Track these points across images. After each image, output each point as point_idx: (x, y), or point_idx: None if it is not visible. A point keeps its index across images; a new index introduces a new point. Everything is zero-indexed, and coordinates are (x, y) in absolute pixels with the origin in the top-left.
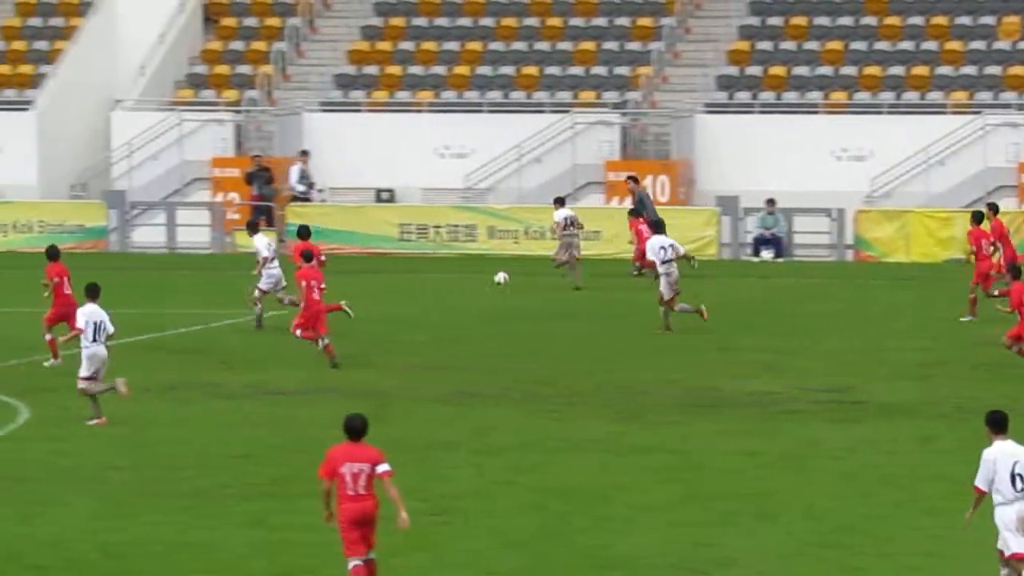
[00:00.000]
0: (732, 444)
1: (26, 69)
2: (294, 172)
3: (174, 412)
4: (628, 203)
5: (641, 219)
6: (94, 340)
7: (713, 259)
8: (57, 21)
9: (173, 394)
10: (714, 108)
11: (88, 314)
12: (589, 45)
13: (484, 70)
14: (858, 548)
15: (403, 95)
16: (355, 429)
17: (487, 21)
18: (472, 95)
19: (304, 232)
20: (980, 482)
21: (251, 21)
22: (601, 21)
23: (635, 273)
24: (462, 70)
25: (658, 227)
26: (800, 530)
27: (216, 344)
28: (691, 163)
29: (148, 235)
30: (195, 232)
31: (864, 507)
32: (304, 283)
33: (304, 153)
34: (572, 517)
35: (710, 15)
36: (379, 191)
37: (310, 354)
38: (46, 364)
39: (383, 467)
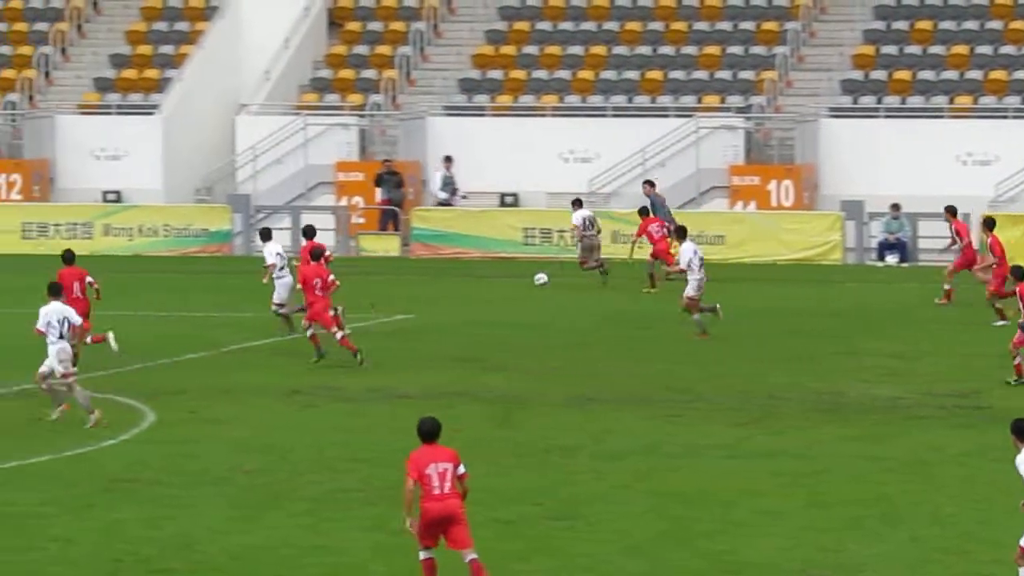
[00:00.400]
0: (856, 449)
1: (152, 74)
2: (437, 178)
3: (298, 416)
4: (752, 207)
5: (651, 219)
6: (60, 336)
7: (838, 264)
8: (182, 26)
9: (296, 398)
10: (838, 112)
11: (49, 313)
12: (714, 49)
13: (608, 74)
14: (984, 555)
15: (527, 99)
16: (430, 432)
17: (611, 25)
18: (596, 99)
19: (309, 232)
20: None
21: (376, 25)
22: (726, 25)
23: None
24: (586, 74)
25: (682, 233)
26: (926, 536)
27: (339, 348)
28: (815, 167)
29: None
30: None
31: (990, 513)
32: (306, 281)
33: (448, 159)
34: (694, 522)
35: (835, 19)
36: (503, 195)
37: (435, 357)
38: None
39: (462, 468)
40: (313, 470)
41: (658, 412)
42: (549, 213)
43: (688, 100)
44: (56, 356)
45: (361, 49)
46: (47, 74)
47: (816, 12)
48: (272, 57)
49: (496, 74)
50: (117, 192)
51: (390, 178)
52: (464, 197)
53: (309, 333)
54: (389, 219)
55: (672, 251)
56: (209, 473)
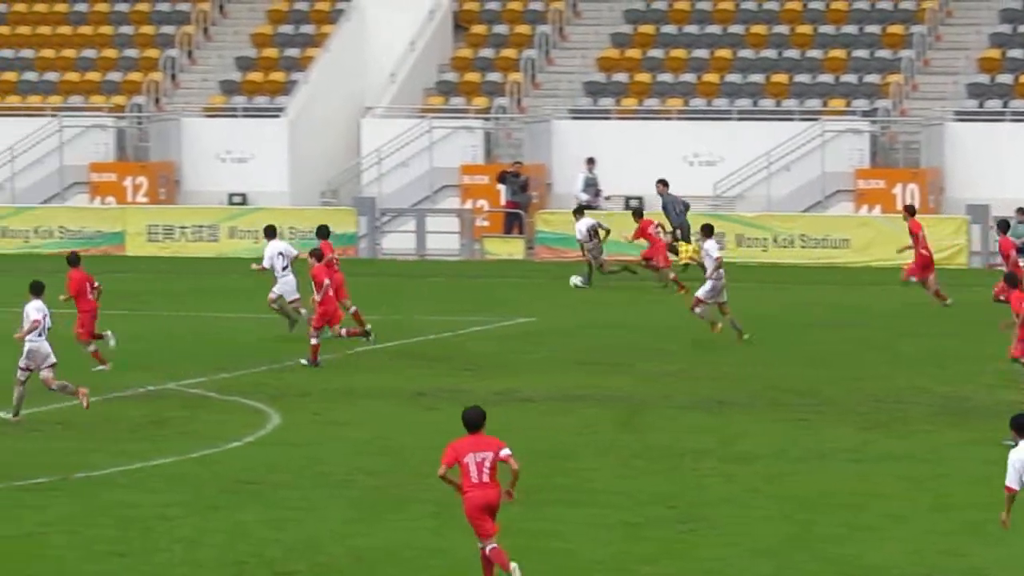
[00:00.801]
0: (981, 453)
1: (277, 76)
2: (579, 179)
3: (421, 418)
4: (877, 211)
5: (649, 220)
6: (39, 335)
7: (963, 268)
8: (308, 29)
9: (421, 400)
10: (964, 116)
11: (39, 309)
12: (839, 53)
13: (733, 77)
14: None
15: (652, 102)
16: (474, 421)
17: (736, 28)
18: (721, 102)
19: (324, 232)
20: (1012, 482)
21: (501, 28)
22: (851, 29)
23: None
24: (711, 77)
25: (708, 231)
26: None
27: (463, 351)
28: (941, 171)
29: (397, 242)
30: (444, 239)
31: None
32: (318, 282)
33: (590, 161)
34: (820, 526)
35: (960, 23)
36: (628, 199)
37: (558, 360)
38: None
39: (505, 451)
40: (436, 473)
41: (785, 415)
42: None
43: (813, 103)
44: (27, 353)
45: (487, 52)
46: (173, 77)
47: (942, 16)
48: (398, 60)
49: (621, 77)
50: (243, 195)
51: (514, 180)
52: (607, 199)
53: (313, 342)
54: (514, 222)
55: (687, 253)
56: (332, 475)
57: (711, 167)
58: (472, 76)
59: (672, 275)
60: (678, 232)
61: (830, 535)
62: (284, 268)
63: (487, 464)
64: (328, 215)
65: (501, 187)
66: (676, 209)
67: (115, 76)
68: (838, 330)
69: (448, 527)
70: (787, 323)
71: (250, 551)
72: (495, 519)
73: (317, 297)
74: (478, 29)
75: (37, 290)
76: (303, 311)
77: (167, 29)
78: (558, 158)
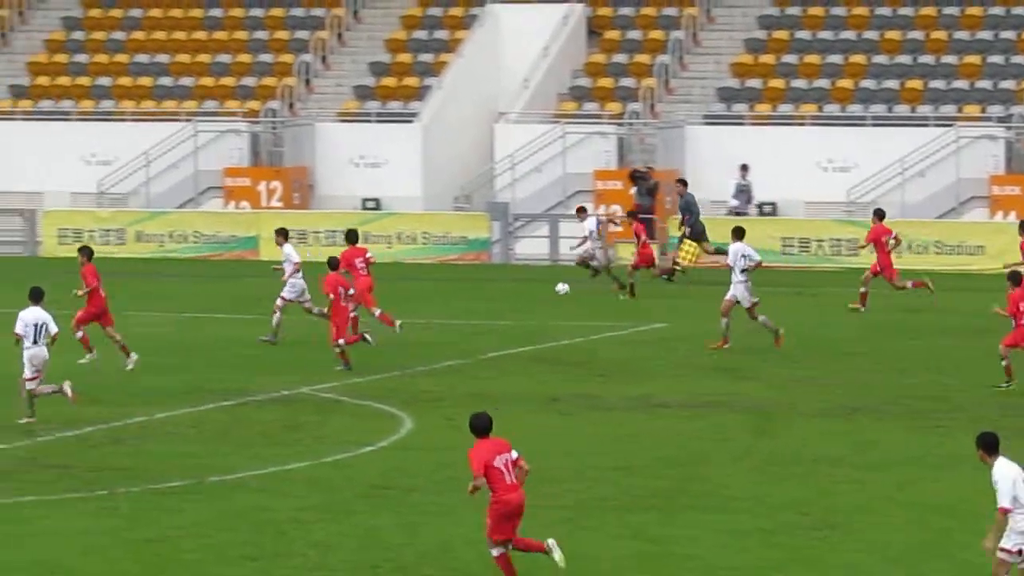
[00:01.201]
0: None
1: (411, 82)
2: (731, 185)
3: (555, 424)
4: (1012, 217)
5: (642, 224)
6: (35, 342)
7: None
8: (442, 34)
9: (554, 406)
10: None
11: (28, 318)
12: (974, 59)
13: (868, 83)
14: None
15: (786, 108)
16: (484, 426)
17: (871, 35)
18: (855, 108)
19: (352, 236)
20: (1006, 502)
21: (635, 34)
22: (986, 35)
23: (666, 277)
24: (845, 83)
25: (739, 234)
26: None
27: (596, 356)
28: None
29: (531, 247)
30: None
31: None
32: (331, 291)
33: (744, 167)
34: (954, 533)
35: None
36: (761, 204)
37: (691, 366)
38: (81, 361)
39: (515, 453)
40: (570, 478)
41: (918, 422)
42: (807, 223)
43: (948, 109)
44: (29, 360)
45: (620, 57)
46: (308, 82)
47: None
48: (531, 65)
49: (755, 83)
50: (376, 199)
51: (644, 181)
52: (759, 206)
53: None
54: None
55: (690, 255)
56: (465, 480)
57: (845, 173)
58: (605, 81)
59: (632, 281)
60: (686, 231)
61: (964, 542)
62: (297, 271)
63: (510, 463)
64: (461, 220)
65: (633, 191)
66: (695, 210)
67: (249, 81)
68: (971, 337)
69: (583, 532)
70: (919, 329)
71: (383, 556)
72: (520, 520)
73: (325, 310)
74: (611, 34)
75: (36, 297)
76: (316, 310)
77: (301, 34)
78: (691, 164)
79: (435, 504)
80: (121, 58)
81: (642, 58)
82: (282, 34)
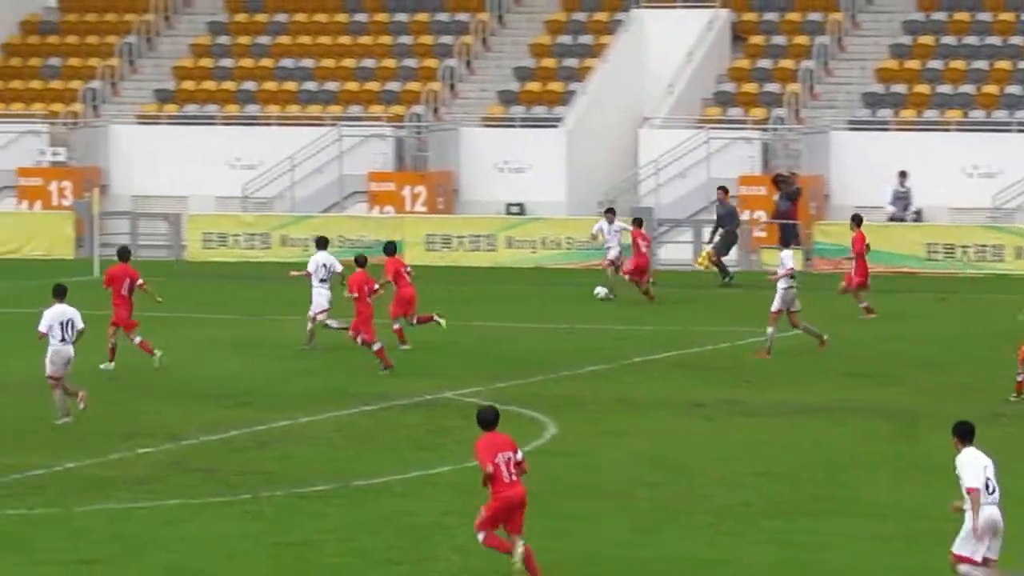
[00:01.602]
0: None
1: (555, 87)
2: (888, 192)
3: (699, 429)
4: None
5: (641, 231)
6: (62, 340)
7: None
8: (586, 39)
9: (698, 411)
10: None
11: (53, 316)
12: None
13: (1014, 89)
14: None
15: (931, 114)
16: (491, 420)
17: (1017, 40)
18: (1001, 114)
19: (391, 249)
20: (974, 482)
21: (779, 39)
22: None
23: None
24: (991, 89)
25: (785, 241)
26: None
27: (740, 362)
28: None
29: (675, 252)
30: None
31: None
32: (357, 289)
33: (902, 174)
34: None
35: None
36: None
37: (834, 372)
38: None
39: (520, 454)
40: (713, 483)
41: None
42: (952, 228)
43: None
44: (50, 358)
45: (764, 63)
46: (452, 87)
47: None
48: (676, 70)
49: (900, 88)
50: (520, 205)
51: (787, 185)
52: (916, 212)
53: (359, 340)
54: (791, 233)
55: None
56: (610, 486)
57: (990, 179)
58: (750, 87)
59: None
60: (716, 237)
61: None
62: (323, 280)
63: (512, 463)
64: None
65: (776, 196)
66: (736, 219)
67: (394, 86)
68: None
69: (726, 538)
70: None
71: None
72: (523, 515)
73: (347, 294)
74: (756, 40)
75: (60, 293)
76: (330, 323)
77: (446, 39)
78: (836, 169)
79: (579, 509)
80: (266, 63)
81: (787, 63)
82: (427, 39)
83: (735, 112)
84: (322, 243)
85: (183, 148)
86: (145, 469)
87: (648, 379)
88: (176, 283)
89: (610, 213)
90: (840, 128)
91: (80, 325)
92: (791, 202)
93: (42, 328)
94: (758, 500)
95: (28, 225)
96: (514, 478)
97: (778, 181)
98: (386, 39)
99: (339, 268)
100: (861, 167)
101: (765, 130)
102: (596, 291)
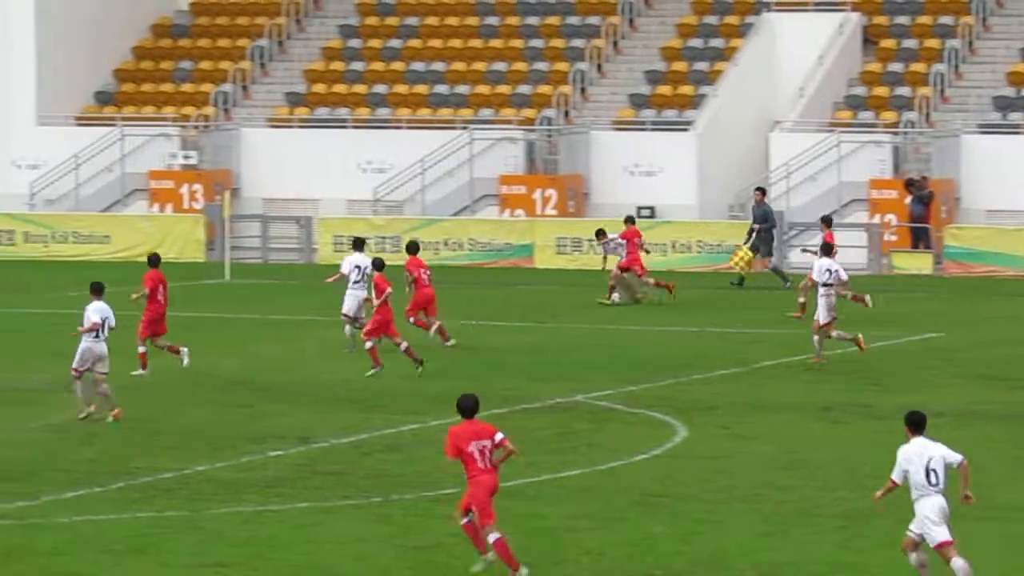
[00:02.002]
0: None
1: (686, 90)
2: None
3: (828, 432)
4: None
5: (635, 230)
6: (96, 337)
7: None
8: (717, 42)
9: (827, 415)
10: None
11: (91, 312)
12: None
13: None
14: None
15: None
16: (468, 408)
17: None
18: None
19: (413, 248)
20: (896, 475)
21: (910, 43)
22: None
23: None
24: None
25: (827, 250)
26: None
27: (869, 365)
28: None
29: (805, 255)
30: (851, 253)
31: None
32: (378, 289)
33: None
34: None
35: None
36: None
37: (965, 376)
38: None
39: (500, 435)
40: (843, 487)
41: None
42: None
43: None
44: (80, 353)
45: (896, 66)
46: (583, 90)
47: None
48: (806, 74)
49: None
50: (651, 208)
51: (918, 189)
52: None
53: (368, 346)
54: (920, 237)
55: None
56: (740, 489)
57: None
58: (881, 90)
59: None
60: (753, 234)
61: None
62: (356, 282)
63: (487, 451)
64: (736, 229)
65: (908, 200)
66: (771, 220)
67: (525, 89)
68: None
69: (856, 541)
70: None
71: (656, 563)
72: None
73: (376, 302)
74: (887, 43)
75: (98, 290)
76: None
77: (577, 42)
78: (967, 173)
79: (709, 512)
80: (397, 66)
81: (917, 67)
82: (558, 42)
83: (866, 116)
84: (359, 244)
85: (314, 151)
86: (275, 472)
87: (777, 382)
88: (307, 286)
89: (601, 234)
90: (971, 131)
91: (113, 323)
92: (923, 206)
93: (96, 319)
94: (888, 503)
95: (159, 228)
96: (489, 465)
97: (910, 185)
98: (517, 42)
99: (372, 271)
100: (992, 170)
101: (896, 134)
102: (612, 298)
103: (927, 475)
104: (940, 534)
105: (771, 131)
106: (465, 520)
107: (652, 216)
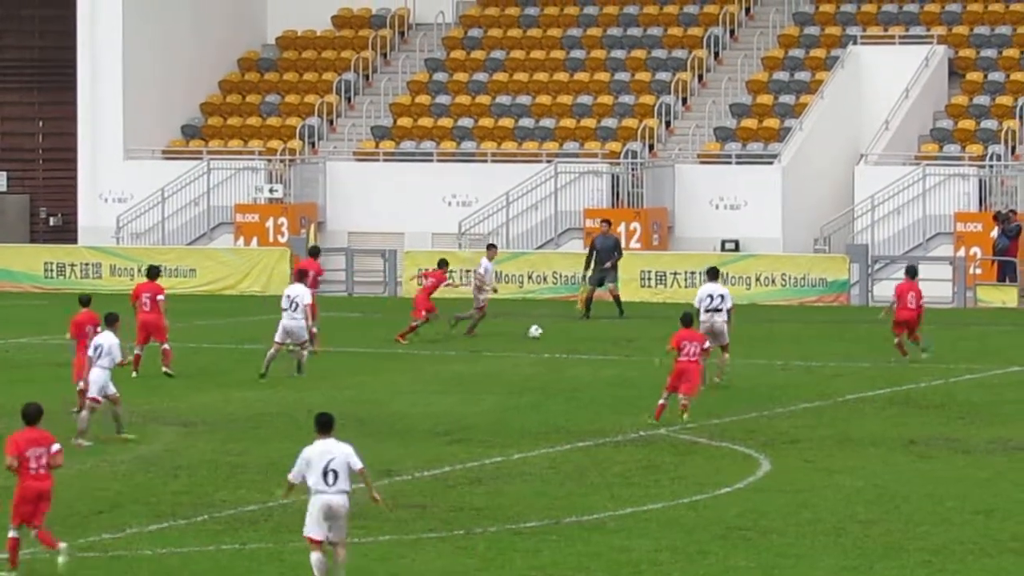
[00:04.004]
0: None
1: (771, 123)
2: None
3: (914, 466)
4: None
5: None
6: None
7: None
8: (803, 75)
9: (913, 448)
10: None
11: (107, 340)
12: None
13: None
14: None
15: None
16: (31, 415)
17: None
18: None
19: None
20: (292, 475)
21: (997, 75)
22: None
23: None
24: None
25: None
26: None
27: (955, 398)
28: None
29: (890, 289)
30: (936, 287)
31: None
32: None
33: None
34: None
35: None
36: None
37: None
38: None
39: (56, 447)
40: (929, 521)
41: None
42: None
43: None
44: (93, 380)
45: (982, 99)
46: (668, 123)
47: None
48: (892, 107)
49: None
50: (735, 241)
51: (1006, 223)
52: None
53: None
54: (1007, 270)
55: None
56: (824, 522)
57: None
58: (967, 123)
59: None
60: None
61: None
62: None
63: (43, 459)
64: (820, 262)
65: (994, 233)
66: (617, 253)
67: (610, 122)
68: None
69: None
70: None
71: None
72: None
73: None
74: (973, 76)
75: (110, 321)
76: (307, 350)
77: (663, 76)
78: None
79: (793, 546)
80: (483, 99)
81: (1004, 100)
82: (643, 75)
83: (951, 148)
84: (300, 276)
85: (399, 185)
86: (359, 505)
87: (862, 416)
88: (392, 319)
89: (492, 249)
90: None
91: (118, 357)
92: (1009, 239)
93: (91, 353)
94: (975, 538)
95: (245, 261)
96: (42, 471)
97: (998, 219)
98: (603, 76)
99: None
100: None
101: (982, 167)
102: (531, 331)
103: (325, 475)
104: (317, 531)
105: (857, 164)
106: (12, 534)
107: (736, 249)
